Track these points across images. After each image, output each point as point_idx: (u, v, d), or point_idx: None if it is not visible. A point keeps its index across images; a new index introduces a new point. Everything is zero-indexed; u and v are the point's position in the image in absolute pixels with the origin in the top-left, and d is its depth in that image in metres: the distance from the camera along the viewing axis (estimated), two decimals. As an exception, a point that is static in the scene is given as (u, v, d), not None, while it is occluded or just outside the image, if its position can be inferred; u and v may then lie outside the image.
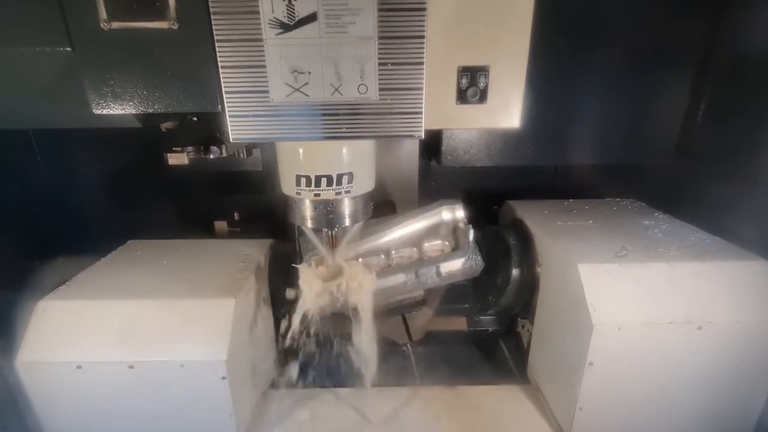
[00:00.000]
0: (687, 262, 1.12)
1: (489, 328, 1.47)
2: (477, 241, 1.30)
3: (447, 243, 1.32)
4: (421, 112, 0.89)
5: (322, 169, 0.99)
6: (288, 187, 1.05)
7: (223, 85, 0.85)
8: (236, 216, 1.87)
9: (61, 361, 1.06)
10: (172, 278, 1.23)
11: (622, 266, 1.11)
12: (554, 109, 1.47)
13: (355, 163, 1.02)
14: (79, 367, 1.06)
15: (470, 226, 1.26)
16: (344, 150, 1.00)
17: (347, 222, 1.09)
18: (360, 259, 1.29)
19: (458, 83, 0.92)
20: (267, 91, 0.86)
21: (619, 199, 1.68)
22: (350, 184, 1.02)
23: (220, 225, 1.85)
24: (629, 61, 1.43)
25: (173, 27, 0.82)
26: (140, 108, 0.88)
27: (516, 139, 1.51)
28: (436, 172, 1.78)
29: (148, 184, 1.75)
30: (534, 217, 1.48)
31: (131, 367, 1.06)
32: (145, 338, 1.08)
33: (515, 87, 0.94)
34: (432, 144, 1.60)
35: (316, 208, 1.06)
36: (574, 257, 1.14)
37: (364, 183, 1.07)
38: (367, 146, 1.05)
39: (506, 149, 1.53)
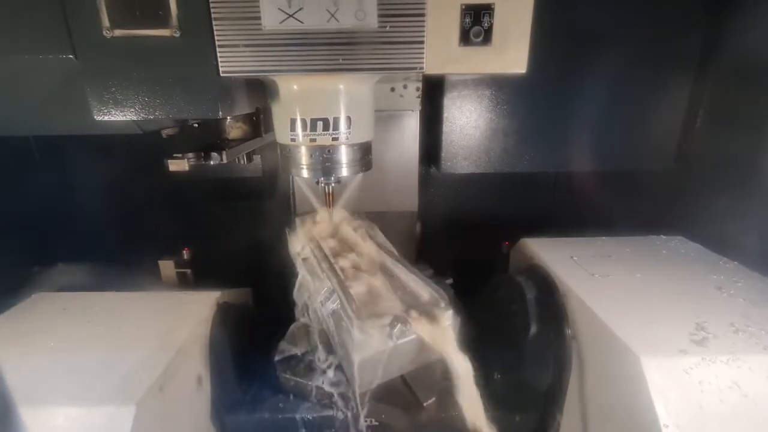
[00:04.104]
0: (801, 353, 0.76)
1: (515, 415, 1.10)
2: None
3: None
4: (422, 42, 0.83)
5: (317, 111, 0.93)
6: (282, 133, 0.98)
7: (211, 10, 0.80)
8: (185, 254, 1.52)
9: None
10: (58, 366, 0.87)
11: (707, 361, 0.75)
12: (554, 116, 1.43)
13: (352, 106, 0.94)
14: None
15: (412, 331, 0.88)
16: (341, 89, 0.92)
17: (344, 171, 1.01)
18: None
19: (461, 23, 0.84)
20: (258, 18, 0.80)
21: (665, 237, 1.34)
22: (348, 130, 0.95)
23: (166, 266, 1.50)
24: (628, 68, 1.39)
25: (175, 35, 0.81)
26: (141, 114, 0.86)
27: (516, 145, 1.46)
28: (435, 179, 1.70)
29: (147, 191, 1.65)
30: (559, 263, 1.14)
31: None
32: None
33: (522, 28, 0.86)
34: (432, 150, 1.54)
35: (311, 155, 0.98)
36: (632, 343, 0.79)
37: (363, 131, 0.99)
38: (365, 90, 0.97)
39: (506, 156, 1.47)
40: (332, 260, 1.05)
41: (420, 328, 0.87)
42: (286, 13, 0.80)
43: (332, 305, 0.92)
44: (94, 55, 0.83)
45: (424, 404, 1.07)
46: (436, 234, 1.69)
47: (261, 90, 1.05)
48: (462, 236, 1.70)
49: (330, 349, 1.09)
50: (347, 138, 0.96)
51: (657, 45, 1.36)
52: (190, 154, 1.01)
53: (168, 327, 1.00)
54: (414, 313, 0.88)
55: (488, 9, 0.83)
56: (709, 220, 1.33)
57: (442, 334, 0.87)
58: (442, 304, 0.91)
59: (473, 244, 1.68)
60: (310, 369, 1.09)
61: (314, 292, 1.02)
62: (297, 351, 1.13)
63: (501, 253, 1.58)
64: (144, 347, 0.92)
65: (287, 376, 1.09)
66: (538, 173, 1.66)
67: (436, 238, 1.70)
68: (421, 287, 0.97)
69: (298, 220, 1.19)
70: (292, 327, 1.19)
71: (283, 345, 1.15)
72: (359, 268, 1.08)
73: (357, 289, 0.98)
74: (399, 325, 0.85)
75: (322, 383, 1.06)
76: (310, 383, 1.07)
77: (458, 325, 0.90)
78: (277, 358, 1.12)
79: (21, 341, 0.96)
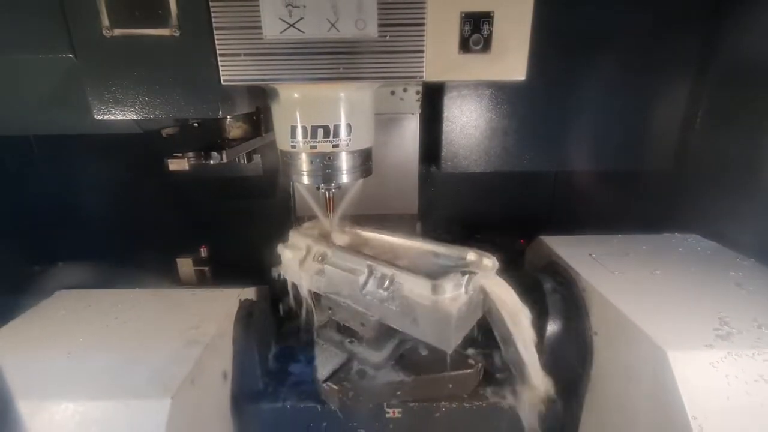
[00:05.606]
0: (826, 347, 0.78)
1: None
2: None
3: None
4: (422, 51, 0.84)
5: (318, 119, 0.94)
6: (283, 140, 0.98)
7: (212, 19, 0.80)
8: (203, 251, 1.53)
9: None
10: (90, 361, 0.89)
11: (733, 356, 0.76)
12: (553, 116, 1.44)
13: (352, 114, 0.95)
14: None
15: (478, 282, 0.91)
16: (341, 97, 0.93)
17: (345, 178, 1.01)
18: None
19: (461, 30, 0.85)
20: (259, 27, 0.81)
21: (680, 235, 1.34)
22: (348, 137, 0.96)
23: (184, 263, 1.50)
24: (628, 68, 1.39)
25: (174, 34, 0.81)
26: (141, 114, 0.86)
27: (516, 145, 1.47)
28: (436, 178, 1.70)
29: (147, 191, 1.66)
30: (578, 261, 1.15)
31: None
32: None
33: (521, 35, 0.86)
34: (432, 150, 1.54)
35: (312, 162, 0.99)
36: (657, 337, 0.80)
37: (363, 137, 1.00)
38: (365, 97, 0.97)
39: (506, 155, 1.47)
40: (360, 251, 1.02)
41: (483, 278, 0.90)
42: (287, 23, 0.81)
43: (383, 291, 0.90)
44: (94, 55, 0.83)
45: (468, 359, 1.09)
46: (436, 236, 1.68)
47: (262, 90, 1.04)
48: (462, 238, 1.70)
49: (375, 344, 1.06)
50: (347, 145, 0.97)
51: (657, 45, 1.37)
52: (190, 154, 1.01)
53: (194, 323, 1.02)
54: (474, 267, 0.91)
55: (488, 17, 0.84)
56: (710, 220, 1.33)
57: (500, 282, 0.91)
58: (490, 255, 0.95)
59: (474, 246, 1.67)
60: (363, 373, 1.06)
61: (354, 285, 0.97)
62: (336, 364, 1.08)
63: (502, 255, 1.59)
64: (172, 343, 0.94)
65: (347, 385, 1.02)
66: (538, 174, 1.66)
67: (436, 240, 1.69)
68: (461, 251, 0.99)
69: (292, 233, 1.13)
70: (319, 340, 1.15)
71: (319, 364, 1.09)
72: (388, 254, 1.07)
73: (402, 263, 0.97)
74: (469, 276, 0.86)
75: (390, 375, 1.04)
76: (375, 384, 1.03)
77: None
78: (323, 377, 1.05)
79: (50, 337, 0.97)
